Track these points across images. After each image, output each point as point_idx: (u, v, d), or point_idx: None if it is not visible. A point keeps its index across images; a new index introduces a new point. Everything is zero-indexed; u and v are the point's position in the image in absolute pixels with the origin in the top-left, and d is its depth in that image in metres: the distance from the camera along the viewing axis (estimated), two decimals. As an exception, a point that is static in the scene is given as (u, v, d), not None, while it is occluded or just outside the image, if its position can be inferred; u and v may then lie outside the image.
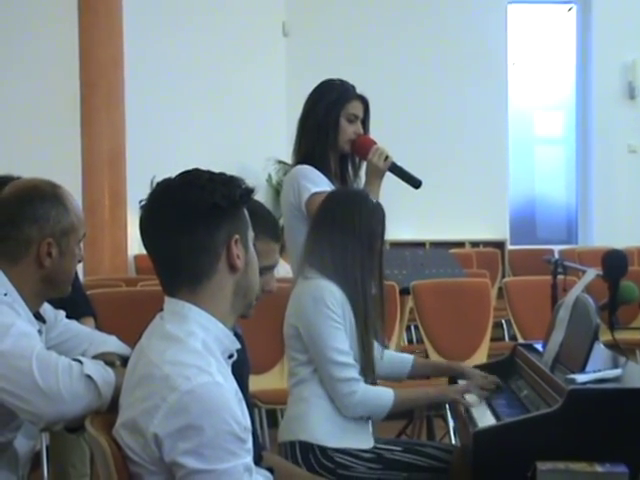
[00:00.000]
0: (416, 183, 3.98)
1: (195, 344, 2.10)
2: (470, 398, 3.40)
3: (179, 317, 2.15)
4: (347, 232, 3.29)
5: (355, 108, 4.02)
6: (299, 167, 3.97)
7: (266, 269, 2.75)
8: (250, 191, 2.25)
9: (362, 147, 4.00)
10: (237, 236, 2.19)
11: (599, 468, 2.60)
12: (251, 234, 2.28)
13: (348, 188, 3.68)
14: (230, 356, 2.24)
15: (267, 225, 2.71)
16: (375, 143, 4.00)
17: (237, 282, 2.22)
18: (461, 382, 3.67)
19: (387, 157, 3.94)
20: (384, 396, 3.30)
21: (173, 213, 2.15)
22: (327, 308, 3.23)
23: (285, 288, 3.44)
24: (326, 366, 3.23)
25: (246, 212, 2.27)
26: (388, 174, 4.00)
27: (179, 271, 2.18)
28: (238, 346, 2.27)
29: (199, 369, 2.03)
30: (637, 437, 2.57)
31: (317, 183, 3.83)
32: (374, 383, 3.37)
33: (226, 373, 2.14)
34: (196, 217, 2.14)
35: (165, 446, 1.99)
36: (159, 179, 2.23)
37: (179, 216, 2.14)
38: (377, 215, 3.37)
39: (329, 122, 3.97)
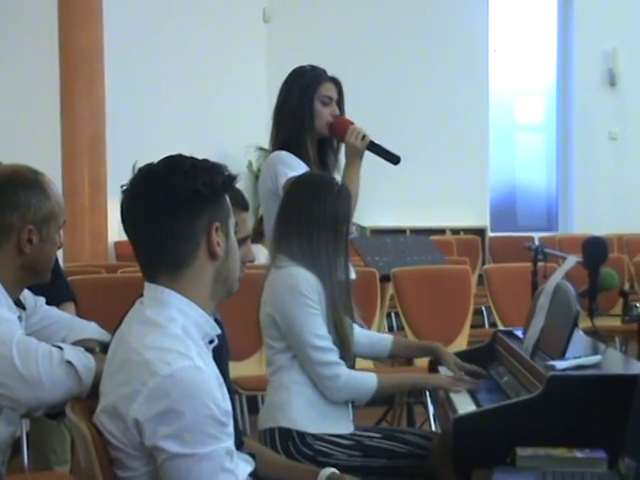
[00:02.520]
0: (395, 159, 3.99)
1: (175, 329, 2.10)
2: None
3: (159, 303, 2.16)
4: (312, 218, 3.30)
5: (328, 90, 4.02)
6: (276, 153, 3.98)
7: (241, 241, 2.73)
8: (232, 178, 2.25)
9: (339, 128, 3.99)
10: (217, 224, 2.19)
11: (578, 454, 2.61)
12: (232, 221, 2.28)
13: (312, 172, 3.68)
14: (211, 341, 2.25)
15: (237, 197, 2.71)
16: (352, 123, 4.00)
17: (217, 269, 2.22)
18: (441, 370, 3.69)
19: (364, 136, 3.94)
20: (368, 380, 3.32)
21: (154, 199, 2.14)
22: (303, 295, 3.24)
23: (265, 275, 3.44)
24: (307, 352, 3.25)
25: (228, 199, 2.27)
26: (368, 154, 4.01)
27: (159, 257, 2.18)
28: (218, 331, 2.27)
29: (179, 354, 2.03)
30: (616, 423, 2.59)
31: (294, 167, 3.83)
32: (353, 367, 3.39)
33: (206, 358, 2.15)
34: (177, 203, 2.14)
35: (146, 431, 1.99)
36: (141, 164, 2.23)
37: (160, 202, 2.14)
38: (342, 199, 3.37)
39: (304, 107, 3.98)
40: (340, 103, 4.08)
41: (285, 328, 3.28)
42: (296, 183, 3.49)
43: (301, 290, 3.24)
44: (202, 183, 2.14)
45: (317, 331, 3.25)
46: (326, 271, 3.29)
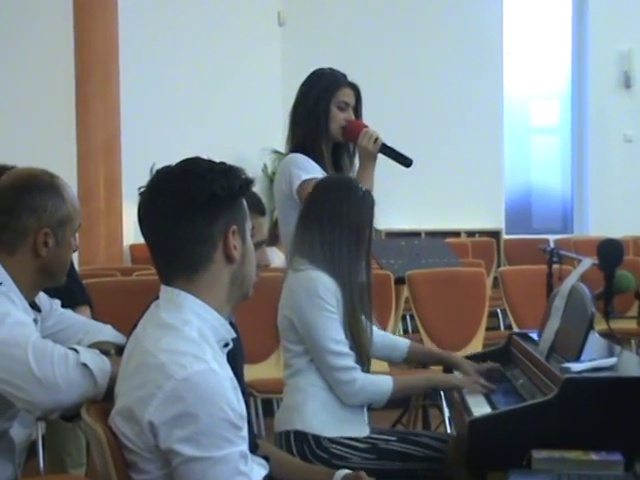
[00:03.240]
0: (407, 162, 3.97)
1: (191, 332, 2.10)
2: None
3: (175, 306, 2.16)
4: (335, 221, 3.29)
5: (346, 95, 4.00)
6: (290, 155, 3.97)
7: (257, 245, 2.74)
8: (250, 182, 2.25)
9: (352, 131, 3.97)
10: (235, 227, 2.19)
11: (594, 456, 2.61)
12: (249, 225, 2.28)
13: (336, 176, 3.67)
14: (226, 345, 2.25)
15: (251, 200, 2.72)
16: (366, 126, 3.98)
17: (233, 272, 2.22)
18: (457, 373, 3.69)
19: (377, 139, 3.93)
20: (384, 383, 3.32)
21: (172, 202, 2.15)
22: (320, 299, 3.23)
23: (281, 277, 3.44)
24: (324, 356, 3.24)
25: (245, 203, 2.27)
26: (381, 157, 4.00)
27: (176, 260, 2.18)
28: (233, 335, 2.28)
29: (194, 357, 2.04)
30: (632, 425, 2.58)
31: (308, 170, 3.82)
32: (368, 370, 3.39)
33: (221, 361, 2.15)
34: (194, 207, 2.14)
35: (161, 434, 2.00)
36: (159, 166, 2.23)
37: (177, 205, 2.14)
38: (365, 203, 3.36)
39: (319, 110, 3.95)
40: (357, 109, 4.06)
41: (302, 332, 3.28)
42: (320, 185, 3.47)
43: (319, 294, 3.23)
44: (219, 187, 2.15)
45: (334, 336, 3.24)
46: (346, 275, 3.28)
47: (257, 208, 2.82)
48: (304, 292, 3.27)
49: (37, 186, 2.60)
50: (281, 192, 3.93)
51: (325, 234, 3.30)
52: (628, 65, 12.66)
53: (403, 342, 3.81)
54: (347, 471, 2.83)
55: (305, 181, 3.76)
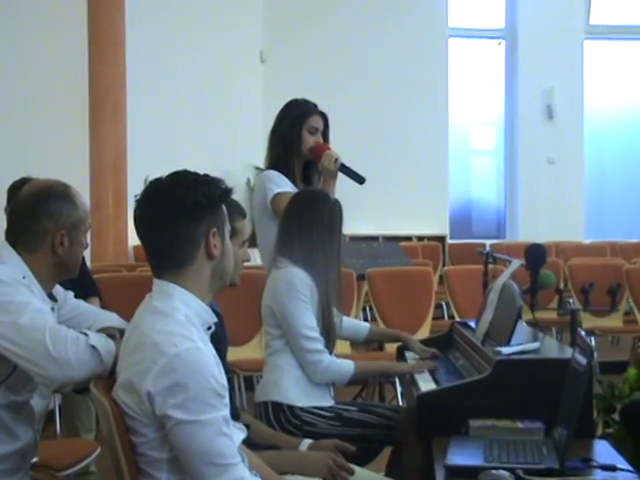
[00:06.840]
0: (361, 180, 4.00)
1: (179, 317, 2.12)
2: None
3: (165, 295, 2.17)
4: (312, 225, 3.31)
5: (315, 122, 4.03)
6: (266, 172, 4.01)
7: (242, 243, 2.84)
8: (229, 191, 2.26)
9: (317, 152, 3.99)
10: (215, 229, 2.20)
11: (520, 424, 2.62)
12: (228, 227, 2.29)
13: (312, 188, 3.71)
14: (209, 328, 2.26)
15: (237, 207, 2.78)
16: (329, 148, 4.00)
17: (214, 267, 2.23)
18: (407, 355, 3.71)
19: (336, 160, 3.95)
20: (346, 366, 3.34)
21: (161, 208, 2.16)
22: (298, 292, 3.24)
23: (261, 274, 3.44)
24: (297, 340, 3.25)
25: (224, 208, 2.27)
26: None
27: (165, 257, 2.19)
28: (215, 320, 2.29)
29: (183, 337, 2.06)
30: (551, 399, 2.59)
31: (280, 185, 3.86)
32: (331, 353, 3.39)
33: (206, 341, 2.16)
34: (180, 212, 2.16)
35: (156, 402, 2.01)
36: (152, 178, 2.24)
37: (166, 211, 2.16)
38: (336, 211, 3.39)
39: (293, 134, 3.98)
40: (325, 133, 4.08)
41: (281, 318, 3.29)
42: (299, 195, 3.51)
43: (297, 287, 3.25)
44: (202, 195, 2.16)
45: (307, 322, 3.25)
46: (322, 271, 3.29)
47: (239, 212, 2.84)
48: (285, 285, 3.27)
49: (53, 194, 2.60)
50: (258, 203, 3.96)
51: (304, 236, 3.31)
52: (551, 99, 12.82)
53: (364, 325, 3.87)
54: (311, 441, 2.87)
55: (277, 194, 3.82)
